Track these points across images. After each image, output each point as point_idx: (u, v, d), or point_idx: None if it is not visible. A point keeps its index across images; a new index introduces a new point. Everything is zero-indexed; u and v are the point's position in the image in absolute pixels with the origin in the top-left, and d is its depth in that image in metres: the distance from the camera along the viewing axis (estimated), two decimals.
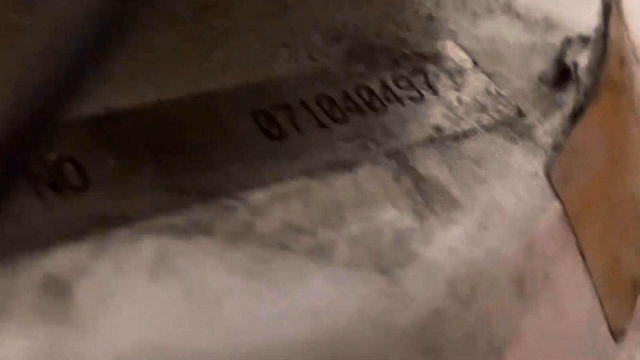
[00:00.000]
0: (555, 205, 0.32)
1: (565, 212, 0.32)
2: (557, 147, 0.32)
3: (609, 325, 0.34)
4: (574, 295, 0.32)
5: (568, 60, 0.34)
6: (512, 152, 0.32)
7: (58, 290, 0.25)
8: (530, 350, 0.31)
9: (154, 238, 0.26)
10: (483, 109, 0.32)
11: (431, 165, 0.30)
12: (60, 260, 0.25)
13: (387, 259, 0.28)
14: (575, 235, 0.32)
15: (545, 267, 0.31)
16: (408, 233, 0.29)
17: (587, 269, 0.33)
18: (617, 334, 0.34)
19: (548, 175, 0.32)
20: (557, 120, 0.33)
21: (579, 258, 0.32)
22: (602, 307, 0.33)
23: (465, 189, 0.30)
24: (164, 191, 0.28)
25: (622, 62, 0.37)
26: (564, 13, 0.37)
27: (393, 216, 0.29)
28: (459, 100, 0.32)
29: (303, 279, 0.27)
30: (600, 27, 0.34)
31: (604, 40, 0.35)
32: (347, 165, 0.30)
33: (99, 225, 0.26)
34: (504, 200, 0.31)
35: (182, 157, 0.28)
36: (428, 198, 0.30)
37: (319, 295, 0.27)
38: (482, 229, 0.30)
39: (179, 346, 0.25)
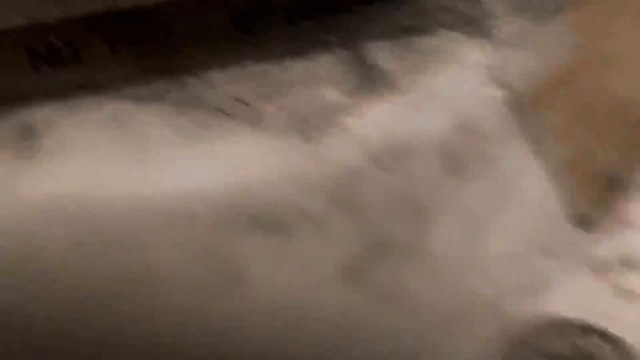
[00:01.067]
0: (502, 94, 0.35)
1: (517, 102, 0.35)
2: (518, 44, 0.35)
3: (577, 214, 0.36)
4: (522, 179, 0.35)
5: None
6: (469, 47, 0.35)
7: (30, 136, 0.33)
8: (464, 220, 0.34)
9: (116, 103, 0.33)
10: (450, 10, 0.36)
11: (383, 57, 0.35)
12: (37, 114, 0.33)
13: (312, 127, 0.33)
14: (530, 124, 0.35)
15: (484, 148, 0.34)
16: (339, 108, 0.34)
17: (546, 157, 0.35)
18: (587, 224, 0.36)
19: (501, 68, 0.35)
20: (527, 21, 0.36)
21: (532, 146, 0.35)
22: (568, 196, 0.36)
23: (408, 77, 0.34)
24: (137, 69, 0.34)
25: None
26: None
27: (331, 95, 0.34)
28: (429, 2, 0.36)
29: (233, 139, 0.33)
30: None
31: None
32: (305, 55, 0.35)
33: (75, 92, 0.34)
34: (445, 87, 0.34)
35: (160, 44, 0.35)
36: (370, 83, 0.34)
37: (243, 152, 0.33)
38: (415, 110, 0.34)
39: (115, 184, 0.32)
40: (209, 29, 0.35)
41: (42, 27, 0.33)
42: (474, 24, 0.36)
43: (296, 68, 0.34)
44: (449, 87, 0.34)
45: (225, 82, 0.34)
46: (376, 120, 0.33)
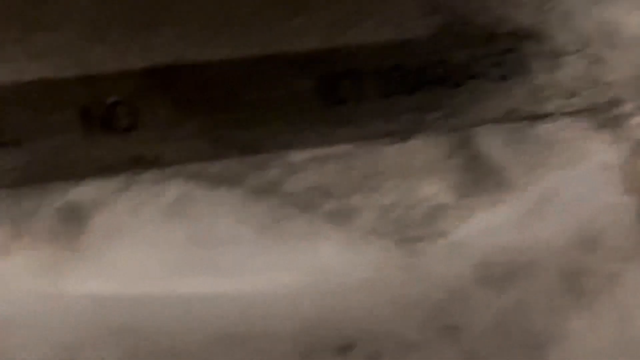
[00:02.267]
0: (632, 201, 0.29)
1: None
2: None
3: None
4: None
5: None
6: (591, 140, 0.30)
7: (75, 218, 0.27)
8: (582, 352, 0.29)
9: (180, 183, 0.28)
10: (573, 93, 0.31)
11: (493, 145, 0.29)
12: (86, 192, 0.27)
13: (411, 232, 0.28)
14: None
15: (611, 267, 0.29)
16: (443, 209, 0.28)
17: None
18: None
19: (628, 169, 0.29)
20: None
21: None
22: None
23: (524, 173, 0.29)
24: (206, 141, 0.29)
25: None
26: None
27: (432, 191, 0.28)
28: (549, 83, 0.31)
29: (315, 240, 0.27)
30: None
31: None
32: (400, 136, 0.29)
33: (132, 165, 0.28)
34: (567, 189, 0.29)
35: (232, 113, 0.29)
36: (478, 177, 0.29)
37: (327, 257, 0.27)
38: (533, 216, 0.28)
39: (175, 288, 0.27)
40: (289, 97, 0.30)
41: (98, 84, 0.28)
42: (601, 112, 0.30)
43: (389, 153, 0.28)
44: (573, 191, 0.28)
45: (308, 167, 0.28)
46: (486, 228, 0.28)
